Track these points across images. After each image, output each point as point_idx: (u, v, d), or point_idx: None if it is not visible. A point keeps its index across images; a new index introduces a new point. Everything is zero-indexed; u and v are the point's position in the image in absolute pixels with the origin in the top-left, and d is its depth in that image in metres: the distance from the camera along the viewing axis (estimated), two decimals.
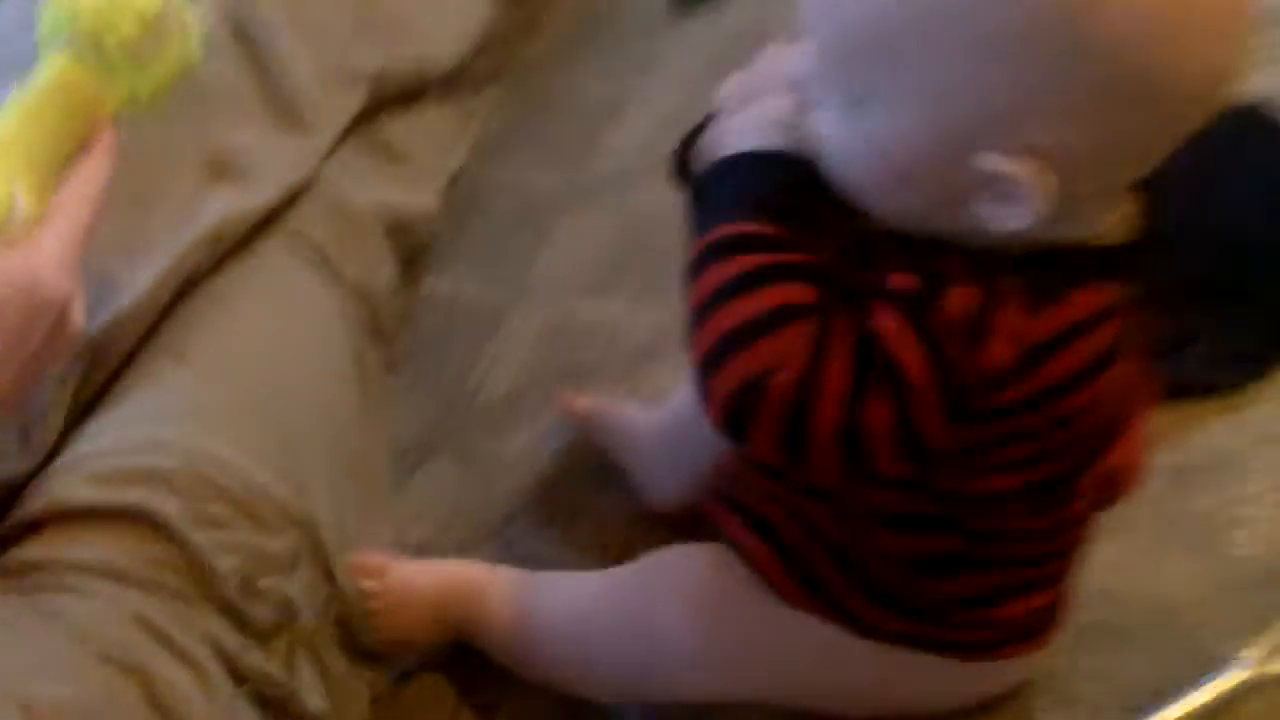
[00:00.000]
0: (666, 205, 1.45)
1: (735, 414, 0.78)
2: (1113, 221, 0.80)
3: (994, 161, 0.72)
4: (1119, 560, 1.10)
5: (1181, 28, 0.69)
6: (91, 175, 0.85)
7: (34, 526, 0.92)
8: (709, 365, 0.79)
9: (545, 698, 1.08)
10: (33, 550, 0.90)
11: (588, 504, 1.22)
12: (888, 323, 0.76)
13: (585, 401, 1.25)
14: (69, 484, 0.93)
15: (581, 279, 1.43)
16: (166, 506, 0.92)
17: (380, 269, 1.26)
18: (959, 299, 0.75)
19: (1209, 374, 1.25)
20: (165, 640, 0.88)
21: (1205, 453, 1.21)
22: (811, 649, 0.97)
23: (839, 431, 0.77)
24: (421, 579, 1.08)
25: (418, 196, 1.35)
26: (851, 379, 0.76)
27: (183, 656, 0.88)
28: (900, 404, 0.76)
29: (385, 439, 1.23)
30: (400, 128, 1.37)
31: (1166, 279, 1.09)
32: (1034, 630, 0.98)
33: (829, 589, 0.95)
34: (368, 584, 1.06)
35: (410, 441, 1.27)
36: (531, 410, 1.30)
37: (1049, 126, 0.71)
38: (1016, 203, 0.73)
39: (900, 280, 0.77)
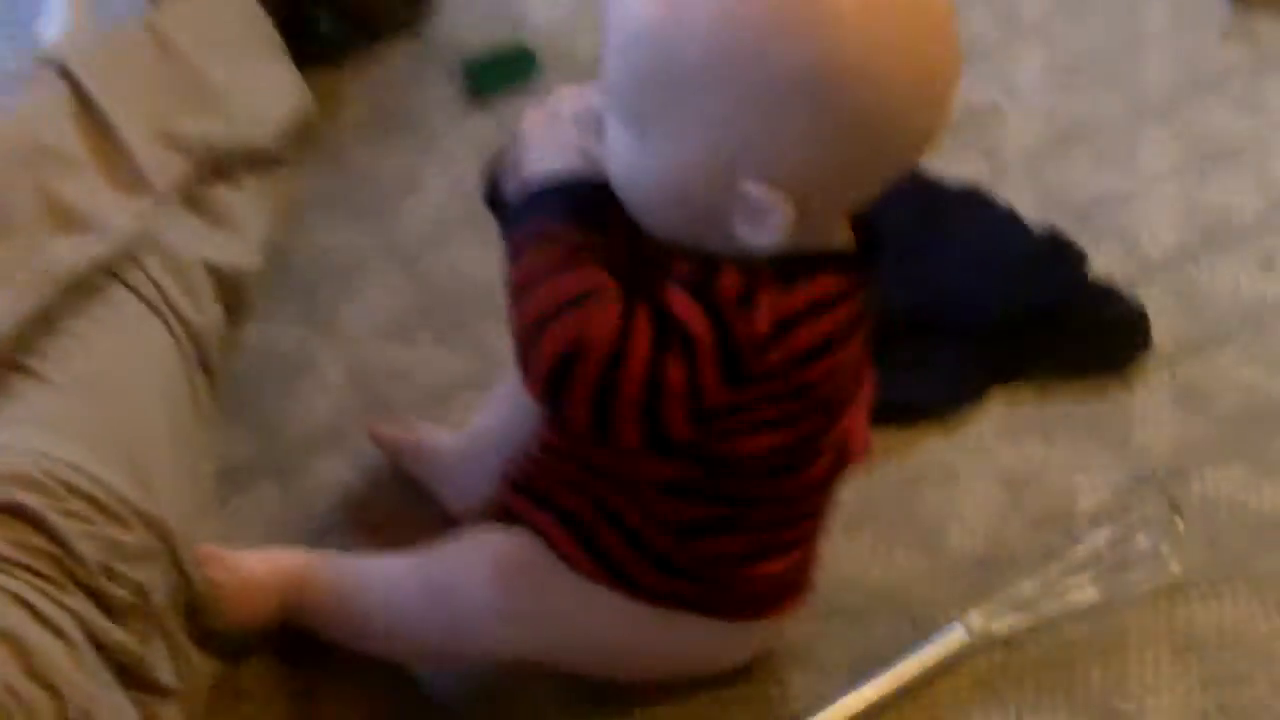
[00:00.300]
0: (462, 263, 1.62)
1: (554, 379, 0.90)
2: (839, 235, 0.97)
3: (751, 188, 0.88)
4: (857, 554, 1.30)
5: (905, 96, 0.87)
6: None
7: None
8: (530, 337, 0.91)
9: (370, 671, 1.18)
10: None
11: (397, 517, 1.33)
12: (677, 297, 0.91)
13: (391, 428, 1.37)
14: None
15: (385, 327, 1.56)
16: (32, 501, 1.00)
17: (209, 313, 1.35)
18: (729, 280, 0.90)
19: (930, 398, 1.45)
20: (38, 615, 0.96)
21: (927, 464, 1.41)
22: (598, 613, 1.09)
23: (643, 390, 0.89)
24: (261, 567, 1.17)
25: (240, 255, 1.45)
26: (652, 343, 0.89)
27: (54, 629, 0.96)
28: (690, 365, 0.89)
29: (212, 457, 1.32)
30: (223, 194, 1.48)
31: (893, 314, 1.28)
32: (786, 593, 1.13)
33: (612, 556, 1.07)
34: (216, 574, 1.14)
35: (234, 464, 1.37)
36: (343, 439, 1.41)
37: (794, 161, 0.87)
38: (767, 222, 0.89)
39: (682, 267, 0.92)
